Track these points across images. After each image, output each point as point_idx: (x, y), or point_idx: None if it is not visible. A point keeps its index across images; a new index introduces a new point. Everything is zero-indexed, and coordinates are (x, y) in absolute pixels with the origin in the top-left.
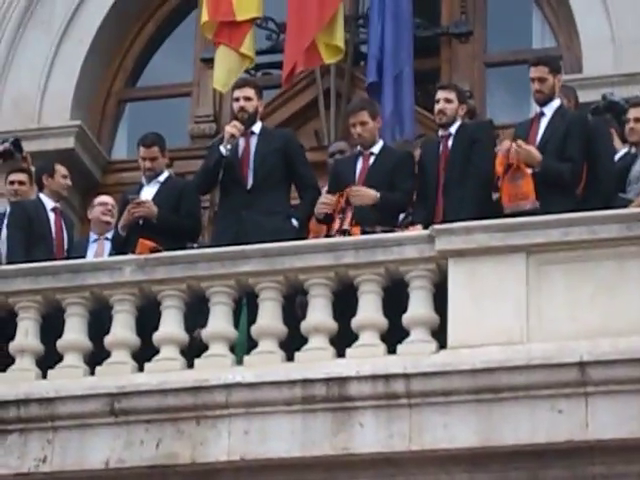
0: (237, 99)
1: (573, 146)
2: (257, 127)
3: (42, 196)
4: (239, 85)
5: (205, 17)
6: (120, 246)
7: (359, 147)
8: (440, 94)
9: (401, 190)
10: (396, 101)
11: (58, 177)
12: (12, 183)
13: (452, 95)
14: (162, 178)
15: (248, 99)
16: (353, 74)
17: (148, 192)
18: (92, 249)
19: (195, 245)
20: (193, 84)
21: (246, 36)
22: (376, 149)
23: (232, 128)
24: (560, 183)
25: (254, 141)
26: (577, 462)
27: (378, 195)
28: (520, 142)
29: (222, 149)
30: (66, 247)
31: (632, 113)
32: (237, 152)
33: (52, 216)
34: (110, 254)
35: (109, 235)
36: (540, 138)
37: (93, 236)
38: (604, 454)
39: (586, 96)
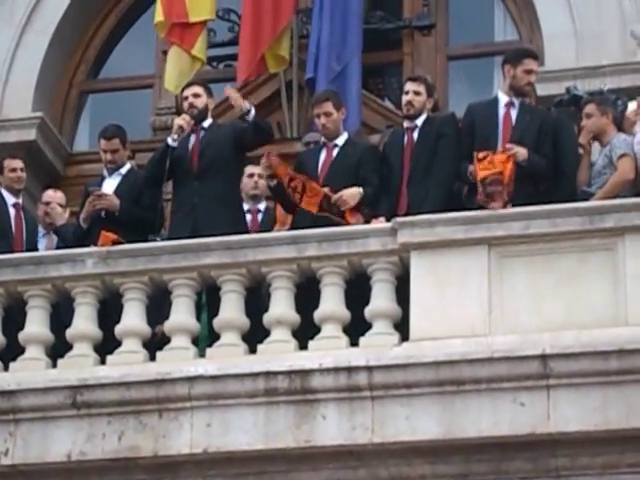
0: (186, 97)
1: (547, 144)
2: (207, 123)
3: (3, 191)
4: (187, 84)
5: (159, 17)
6: (81, 238)
7: (322, 138)
8: (409, 86)
9: (370, 185)
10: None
11: (7, 172)
12: (13, 170)
13: (421, 88)
14: (124, 170)
15: (196, 95)
16: None
17: (110, 184)
18: (42, 244)
19: (157, 238)
20: (155, 76)
21: (198, 38)
22: (340, 141)
23: (180, 120)
24: (538, 176)
25: (205, 136)
26: (539, 454)
27: (361, 191)
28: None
29: (169, 140)
30: (25, 243)
31: (585, 110)
32: (187, 147)
33: (12, 212)
34: (59, 247)
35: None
36: (514, 129)
37: (42, 231)
38: (566, 447)
39: (548, 89)
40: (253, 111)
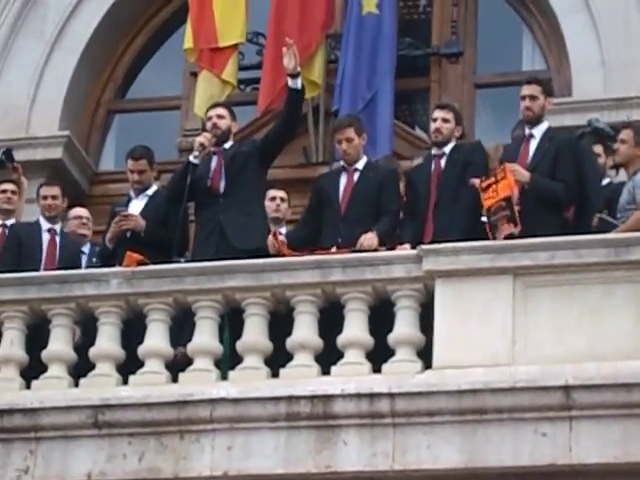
0: (210, 118)
1: (565, 168)
2: (228, 144)
3: (40, 218)
4: (212, 106)
5: (188, 43)
6: (107, 259)
7: (342, 163)
8: (437, 113)
9: (389, 212)
10: (370, 121)
11: (41, 199)
12: (3, 192)
13: (450, 115)
14: (150, 192)
15: (220, 117)
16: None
17: (136, 205)
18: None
19: (182, 259)
20: (182, 97)
21: (228, 62)
22: (360, 165)
23: (202, 138)
24: (555, 201)
25: (226, 155)
26: None
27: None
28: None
29: (190, 157)
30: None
31: (620, 135)
32: (209, 168)
33: (46, 237)
34: (90, 266)
35: (85, 249)
36: (530, 160)
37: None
38: (587, 478)
39: (575, 120)
40: (300, 81)
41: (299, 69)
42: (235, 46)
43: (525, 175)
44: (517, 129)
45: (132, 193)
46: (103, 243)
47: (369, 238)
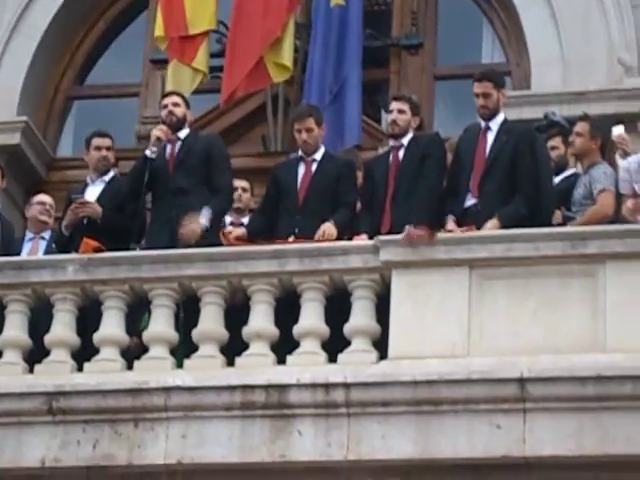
0: (165, 106)
1: (524, 163)
2: (183, 133)
3: None
4: (166, 94)
5: (159, 31)
6: (63, 246)
7: (300, 153)
8: (394, 105)
9: (346, 204)
10: (338, 113)
11: None
12: None
13: (405, 106)
14: (107, 178)
15: (176, 104)
16: (302, 81)
17: (93, 191)
18: (26, 248)
19: (138, 247)
20: (141, 85)
21: (199, 50)
22: (318, 155)
23: (158, 131)
24: (524, 218)
25: (178, 145)
26: (514, 477)
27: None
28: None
29: (147, 152)
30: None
31: (575, 127)
32: (164, 157)
33: None
34: (46, 253)
35: (45, 235)
36: (488, 153)
37: (29, 234)
38: (541, 470)
39: (534, 113)
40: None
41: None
42: (205, 33)
43: (496, 225)
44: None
45: (89, 179)
46: (59, 230)
47: (328, 227)
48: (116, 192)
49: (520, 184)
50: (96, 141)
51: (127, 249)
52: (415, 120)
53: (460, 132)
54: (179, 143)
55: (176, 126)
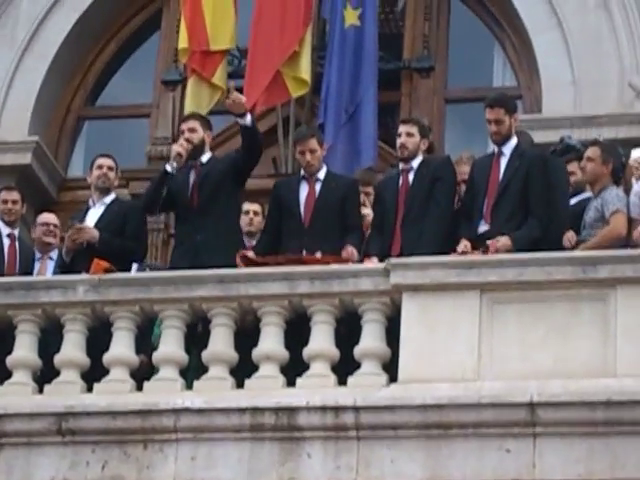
0: (182, 132)
1: (536, 188)
2: (205, 157)
3: (0, 223)
4: (184, 119)
5: (183, 43)
6: (64, 272)
7: (303, 172)
8: (402, 128)
9: (354, 227)
10: (353, 134)
11: (0, 203)
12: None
13: (414, 129)
14: (108, 200)
15: (192, 130)
16: (313, 103)
17: (94, 214)
18: (35, 268)
19: (141, 266)
20: (152, 106)
21: (219, 66)
22: (321, 175)
23: (178, 147)
24: (537, 241)
25: (203, 171)
26: None
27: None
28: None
29: (167, 167)
30: (18, 272)
31: (586, 152)
32: (188, 182)
33: (6, 242)
34: (54, 273)
35: (53, 254)
36: (502, 178)
37: (37, 255)
38: None
39: (545, 137)
40: (249, 117)
41: (244, 109)
42: (225, 52)
43: (507, 245)
44: None
45: (90, 202)
46: (60, 255)
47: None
48: (116, 214)
49: (533, 207)
50: (99, 161)
51: (128, 270)
52: (424, 143)
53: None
54: (201, 168)
55: (195, 152)
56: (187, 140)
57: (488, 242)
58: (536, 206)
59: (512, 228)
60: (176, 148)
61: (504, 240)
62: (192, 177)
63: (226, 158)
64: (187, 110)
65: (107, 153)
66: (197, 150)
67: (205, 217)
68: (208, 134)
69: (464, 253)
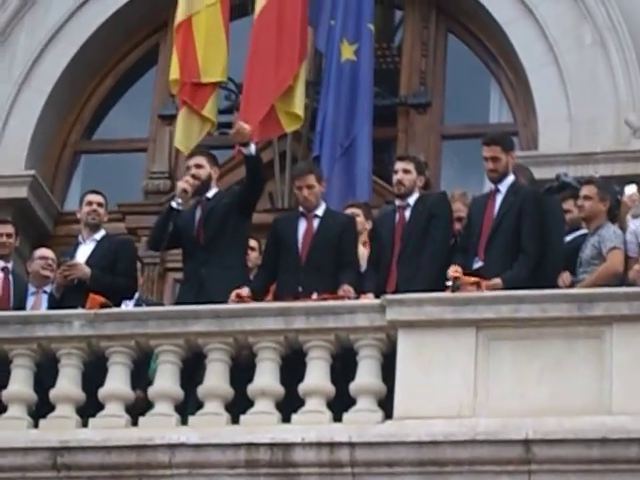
0: (189, 168)
1: (528, 223)
2: (211, 193)
3: None
4: (191, 154)
5: (174, 74)
6: (56, 306)
7: (301, 209)
8: (398, 165)
9: (350, 263)
10: (348, 169)
11: None
12: None
13: (410, 166)
14: (98, 237)
15: (199, 166)
16: (310, 138)
17: (84, 251)
18: (30, 302)
19: (143, 303)
20: (149, 140)
21: (209, 99)
22: (320, 211)
23: (184, 183)
24: (526, 278)
25: (209, 206)
26: None
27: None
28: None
29: (173, 203)
30: (12, 306)
31: (582, 191)
32: (194, 218)
33: (0, 275)
34: (49, 307)
35: (47, 288)
36: (496, 215)
37: (31, 288)
38: None
39: (541, 173)
40: (254, 147)
41: (249, 138)
42: (216, 84)
43: (498, 284)
44: None
45: (80, 238)
46: (51, 292)
47: (349, 289)
48: (106, 250)
49: (523, 244)
50: (88, 197)
51: (118, 305)
52: (421, 179)
53: (468, 192)
54: (207, 203)
55: (202, 188)
56: (193, 176)
57: (482, 282)
58: (527, 242)
59: (505, 264)
60: (181, 185)
61: (496, 282)
62: (198, 213)
63: (230, 192)
64: (177, 142)
65: (97, 189)
66: (203, 186)
67: (211, 252)
68: (215, 170)
69: (455, 278)
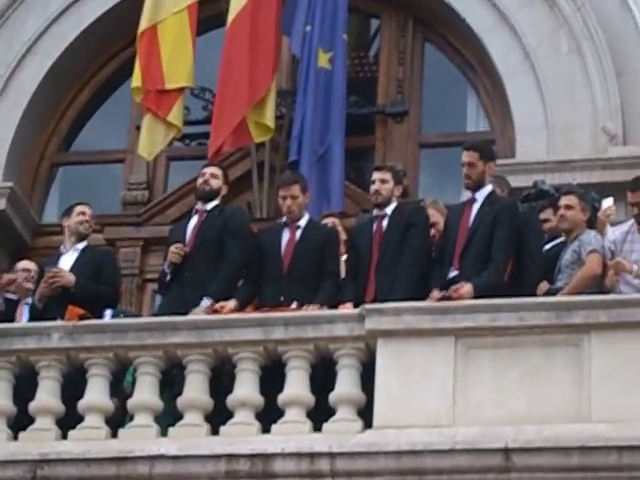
0: (203, 174)
1: (500, 233)
2: (211, 205)
3: None
4: (206, 165)
5: (137, 82)
6: (37, 318)
7: (285, 219)
8: (376, 175)
9: (330, 273)
10: (322, 176)
11: None
12: None
13: (388, 176)
14: (80, 246)
15: (214, 176)
16: (287, 148)
17: (67, 260)
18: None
19: (121, 314)
20: (127, 151)
21: (174, 105)
22: (302, 222)
23: (174, 255)
24: (498, 287)
25: (203, 218)
26: None
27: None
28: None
29: (166, 269)
30: None
31: (562, 200)
32: (187, 227)
33: None
34: (30, 319)
35: (29, 300)
36: (471, 224)
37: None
38: None
39: (518, 181)
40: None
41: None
42: (181, 90)
43: (470, 292)
44: None
45: (62, 248)
46: (33, 302)
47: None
48: (89, 259)
49: (493, 252)
50: (80, 207)
51: (101, 316)
52: (398, 189)
53: (445, 201)
54: (204, 215)
55: (208, 196)
56: (206, 182)
57: (452, 287)
58: (497, 251)
59: (479, 272)
60: (171, 257)
61: (467, 287)
62: (193, 222)
63: (229, 215)
64: (140, 149)
65: (86, 202)
66: (210, 195)
67: (195, 260)
68: (224, 188)
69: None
